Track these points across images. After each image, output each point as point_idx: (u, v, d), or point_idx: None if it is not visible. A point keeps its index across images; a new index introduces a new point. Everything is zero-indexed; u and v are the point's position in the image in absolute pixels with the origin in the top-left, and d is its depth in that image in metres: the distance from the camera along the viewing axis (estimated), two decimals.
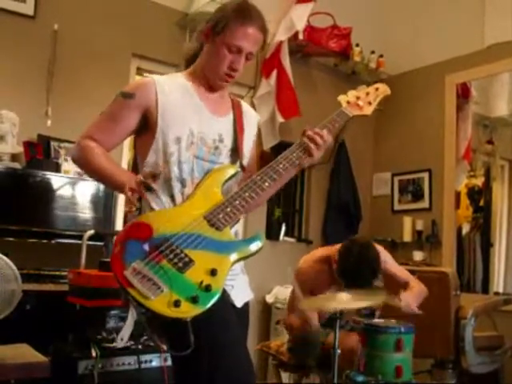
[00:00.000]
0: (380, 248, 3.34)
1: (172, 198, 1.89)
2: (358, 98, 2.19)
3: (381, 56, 5.54)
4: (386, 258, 3.35)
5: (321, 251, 3.47)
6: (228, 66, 1.93)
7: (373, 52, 5.52)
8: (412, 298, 3.10)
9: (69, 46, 4.03)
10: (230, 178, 1.95)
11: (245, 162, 2.06)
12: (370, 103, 2.21)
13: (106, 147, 1.92)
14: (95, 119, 1.97)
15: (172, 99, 1.93)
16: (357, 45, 5.38)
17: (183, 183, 1.90)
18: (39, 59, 3.92)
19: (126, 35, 4.33)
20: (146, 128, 1.94)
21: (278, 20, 5.02)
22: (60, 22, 4.00)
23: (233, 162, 2.02)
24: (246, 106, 2.19)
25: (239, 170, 2.01)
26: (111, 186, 1.92)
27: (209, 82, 2.00)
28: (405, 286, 3.26)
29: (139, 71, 4.50)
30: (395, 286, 3.27)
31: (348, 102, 2.16)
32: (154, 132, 1.90)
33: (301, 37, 5.06)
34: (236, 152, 2.03)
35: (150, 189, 1.73)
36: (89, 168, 1.93)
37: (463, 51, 5.09)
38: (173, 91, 1.95)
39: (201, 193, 1.87)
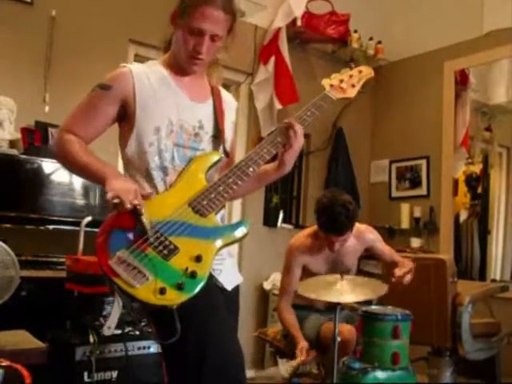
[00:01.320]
0: (370, 228, 3.48)
1: (154, 187, 1.87)
2: (341, 80, 2.18)
3: (379, 42, 5.53)
4: (375, 237, 3.46)
5: (309, 228, 3.53)
6: (192, 49, 1.89)
7: (371, 38, 5.50)
8: (402, 272, 3.12)
9: (66, 32, 4.01)
10: (214, 164, 1.95)
11: (227, 147, 2.05)
12: (353, 86, 2.20)
13: (85, 140, 1.89)
14: (73, 111, 1.94)
15: (149, 89, 1.91)
16: (355, 31, 5.36)
17: (165, 171, 1.89)
18: (37, 45, 3.90)
19: (123, 21, 4.31)
20: (125, 118, 1.91)
21: (276, 6, 5.00)
22: (58, 8, 3.97)
23: (215, 148, 2.01)
24: (224, 91, 2.17)
25: (223, 156, 2.00)
26: (93, 180, 1.88)
27: (182, 67, 1.98)
28: (392, 264, 3.33)
29: (137, 58, 4.48)
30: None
31: (331, 86, 2.16)
32: (133, 122, 1.88)
33: (299, 23, 5.03)
34: (218, 138, 2.01)
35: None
36: (70, 162, 1.88)
37: (462, 38, 5.07)
38: (150, 80, 1.93)
39: (184, 180, 1.86)
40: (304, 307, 3.41)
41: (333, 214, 3.10)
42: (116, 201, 1.61)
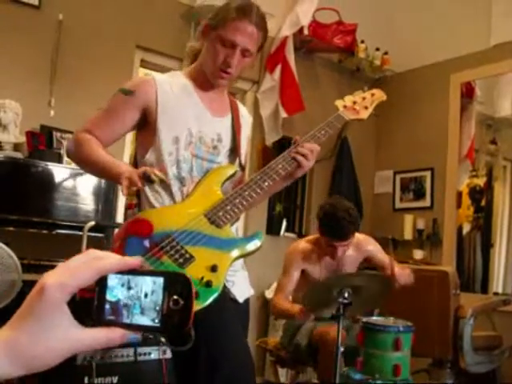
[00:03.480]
0: (370, 239, 3.52)
1: (171, 195, 1.89)
2: (354, 102, 2.24)
3: (386, 53, 5.53)
4: (376, 248, 3.48)
5: (311, 236, 3.58)
6: (222, 61, 1.91)
7: (378, 49, 5.51)
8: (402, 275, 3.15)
9: (73, 36, 4.02)
10: (230, 177, 1.97)
11: (242, 161, 2.07)
12: (366, 107, 2.27)
13: (103, 143, 1.91)
14: (93, 114, 1.96)
15: (172, 99, 1.93)
16: (362, 41, 5.38)
17: (182, 182, 1.91)
18: (43, 49, 3.91)
19: (130, 27, 4.32)
20: (145, 126, 1.94)
21: (284, 15, 5.01)
22: (65, 12, 3.99)
23: (231, 161, 2.04)
24: (242, 106, 2.21)
25: (238, 169, 2.03)
26: (108, 177, 1.90)
27: (207, 80, 1.99)
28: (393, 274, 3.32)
29: (143, 63, 4.49)
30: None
31: (345, 107, 2.19)
32: (154, 131, 1.90)
33: (306, 32, 5.04)
34: (234, 152, 2.05)
35: (151, 181, 1.69)
36: (84, 160, 1.90)
37: (469, 50, 5.07)
38: (173, 90, 1.95)
39: (201, 191, 1.88)
40: None
41: (335, 218, 3.12)
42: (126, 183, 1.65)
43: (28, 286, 2.88)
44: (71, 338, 0.66)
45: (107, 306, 0.67)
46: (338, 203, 3.23)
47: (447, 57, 5.28)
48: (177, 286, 0.67)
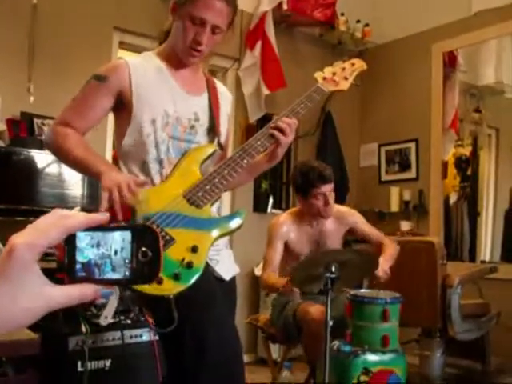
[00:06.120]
0: (352, 211, 3.58)
1: (151, 179, 1.89)
2: (334, 73, 2.20)
3: (366, 25, 5.50)
4: (357, 218, 3.51)
5: (292, 208, 3.68)
6: (192, 39, 1.89)
7: (358, 21, 5.48)
8: (388, 262, 3.19)
9: (49, 20, 3.95)
10: (209, 156, 1.96)
11: (222, 140, 2.07)
12: (346, 78, 2.23)
13: (80, 131, 1.90)
14: (68, 104, 1.95)
15: (146, 81, 1.92)
16: (342, 14, 5.34)
17: (161, 164, 1.91)
18: (19, 35, 3.85)
19: (107, 8, 4.26)
20: (121, 110, 1.93)
21: None
22: None
23: (210, 140, 2.03)
24: (220, 84, 2.19)
25: (217, 148, 2.02)
26: (87, 175, 1.90)
27: (179, 59, 1.98)
28: (379, 245, 3.38)
29: (122, 45, 4.43)
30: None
31: (324, 78, 2.17)
32: (130, 114, 1.90)
33: (285, 7, 4.99)
34: (213, 130, 2.03)
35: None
36: (64, 156, 1.89)
37: (450, 18, 5.06)
38: (146, 73, 1.94)
39: (179, 172, 1.87)
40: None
41: (311, 167, 3.29)
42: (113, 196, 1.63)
43: None
44: (44, 296, 0.66)
45: (78, 266, 0.69)
46: (308, 161, 3.48)
47: (428, 26, 5.26)
48: (144, 238, 0.69)
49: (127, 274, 0.68)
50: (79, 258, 0.69)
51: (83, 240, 0.69)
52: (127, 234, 0.69)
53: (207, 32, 1.88)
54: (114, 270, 0.68)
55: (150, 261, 0.68)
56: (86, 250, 0.69)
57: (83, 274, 0.69)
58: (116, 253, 0.68)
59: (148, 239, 0.69)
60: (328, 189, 3.27)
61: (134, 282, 0.70)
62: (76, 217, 0.68)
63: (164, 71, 1.98)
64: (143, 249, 0.68)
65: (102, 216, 0.70)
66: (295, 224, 3.41)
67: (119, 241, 0.69)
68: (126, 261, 0.68)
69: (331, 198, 3.30)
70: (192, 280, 1.59)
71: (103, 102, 1.91)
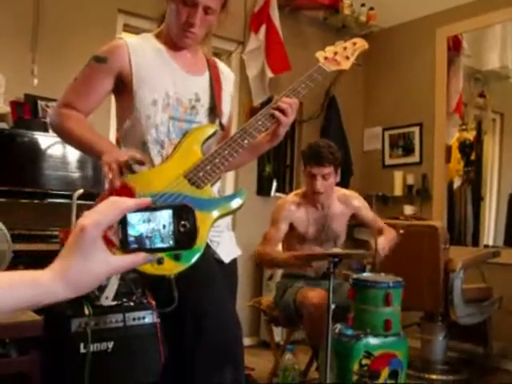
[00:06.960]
0: (356, 195, 3.55)
1: (151, 160, 1.89)
2: (335, 53, 2.19)
3: (371, 9, 5.45)
4: (360, 203, 3.51)
5: (299, 190, 3.63)
6: (185, 21, 1.89)
7: (363, 5, 5.42)
8: (387, 242, 3.19)
9: (53, 2, 3.93)
10: (210, 136, 1.95)
11: (224, 120, 2.06)
12: (347, 58, 2.21)
13: (83, 112, 1.91)
14: (69, 85, 1.95)
15: (146, 61, 1.92)
16: None
17: (162, 145, 1.90)
18: (23, 17, 3.83)
19: None
20: (122, 91, 1.93)
21: None
22: None
23: (211, 120, 2.02)
24: (221, 64, 2.18)
25: (218, 128, 2.01)
26: (90, 154, 1.90)
27: (174, 41, 1.97)
28: (379, 231, 3.37)
29: (126, 28, 4.41)
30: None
31: (326, 58, 2.15)
32: (130, 95, 1.89)
33: None
34: (214, 111, 2.02)
35: (132, 171, 1.69)
36: (67, 137, 1.91)
37: (455, 3, 5.02)
38: (146, 52, 1.94)
39: (180, 152, 1.87)
40: (293, 276, 3.45)
41: (316, 146, 3.28)
42: (110, 176, 1.64)
43: (19, 256, 2.89)
44: (107, 263, 0.84)
45: (131, 239, 0.87)
46: (322, 140, 3.45)
47: (433, 10, 5.22)
48: (182, 214, 0.88)
49: (171, 242, 0.87)
50: (131, 232, 0.87)
51: (134, 218, 0.87)
52: (170, 212, 0.87)
53: (199, 13, 1.87)
54: (162, 240, 0.87)
55: (188, 231, 0.88)
56: (138, 225, 0.87)
57: (135, 245, 0.87)
58: (164, 227, 0.87)
59: (186, 214, 0.88)
60: (321, 171, 3.23)
61: (178, 249, 0.89)
62: (127, 201, 0.87)
63: (163, 53, 1.97)
64: (182, 222, 0.87)
65: (147, 200, 0.88)
66: (301, 205, 3.40)
67: (165, 217, 0.87)
68: (170, 233, 0.87)
69: (328, 184, 3.28)
70: (193, 260, 1.59)
71: (104, 83, 1.91)
